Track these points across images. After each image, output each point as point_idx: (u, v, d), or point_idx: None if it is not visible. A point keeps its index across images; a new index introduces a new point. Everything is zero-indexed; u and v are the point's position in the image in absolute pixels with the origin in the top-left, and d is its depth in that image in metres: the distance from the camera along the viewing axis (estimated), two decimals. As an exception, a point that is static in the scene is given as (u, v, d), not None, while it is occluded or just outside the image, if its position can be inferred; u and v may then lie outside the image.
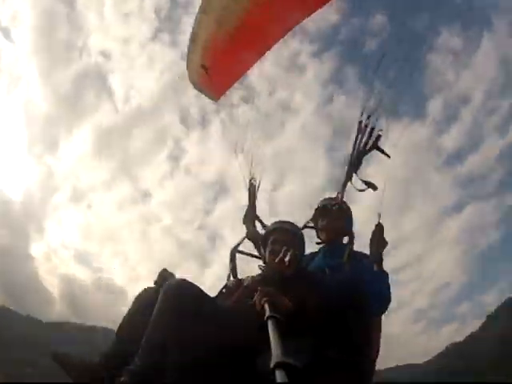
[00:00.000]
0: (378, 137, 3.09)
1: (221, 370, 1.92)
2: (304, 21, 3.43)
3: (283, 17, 3.38)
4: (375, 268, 2.43)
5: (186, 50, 3.97)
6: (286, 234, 2.61)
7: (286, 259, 2.37)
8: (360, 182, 3.19)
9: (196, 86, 4.24)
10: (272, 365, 1.11)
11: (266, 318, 1.59)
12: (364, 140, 3.11)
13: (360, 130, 3.12)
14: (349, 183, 3.13)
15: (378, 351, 2.53)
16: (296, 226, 2.81)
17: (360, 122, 3.18)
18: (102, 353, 2.15)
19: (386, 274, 2.47)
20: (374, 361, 2.48)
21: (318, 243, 3.15)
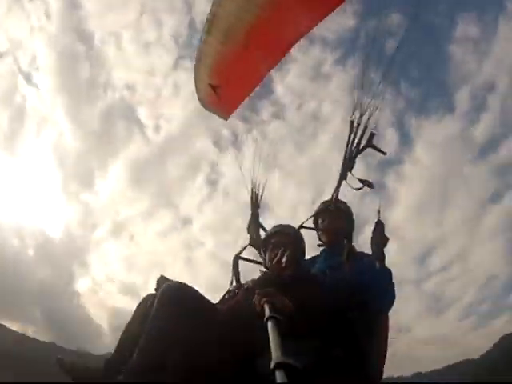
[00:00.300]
0: (372, 135, 3.10)
1: (221, 371, 1.90)
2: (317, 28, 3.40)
3: (290, 26, 3.34)
4: (377, 265, 2.40)
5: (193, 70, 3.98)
6: (285, 237, 2.63)
7: (283, 260, 2.39)
8: (357, 181, 3.19)
9: (205, 105, 4.25)
10: (272, 365, 1.11)
11: (265, 318, 1.56)
12: (357, 139, 3.11)
13: (352, 130, 3.13)
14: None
15: (384, 352, 2.43)
16: (295, 229, 2.83)
17: (352, 122, 3.19)
18: (105, 359, 2.15)
19: (388, 271, 2.43)
20: (380, 362, 2.40)
21: (319, 245, 3.13)
